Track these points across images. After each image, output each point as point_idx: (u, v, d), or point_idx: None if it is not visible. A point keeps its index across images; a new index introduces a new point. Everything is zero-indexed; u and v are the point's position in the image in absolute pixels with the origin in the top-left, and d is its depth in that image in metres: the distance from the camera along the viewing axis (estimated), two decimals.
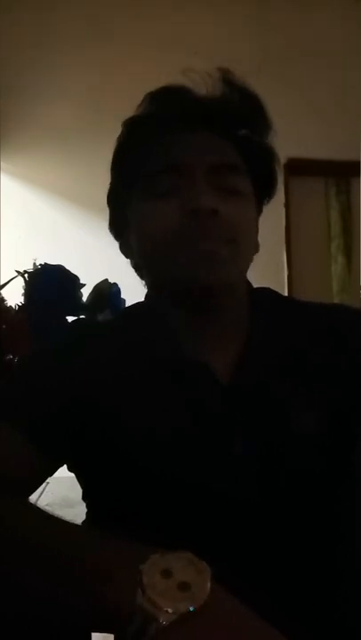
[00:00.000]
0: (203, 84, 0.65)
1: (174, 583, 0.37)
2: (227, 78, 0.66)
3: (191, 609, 0.36)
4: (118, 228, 0.70)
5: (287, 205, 2.88)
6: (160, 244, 0.62)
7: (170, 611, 0.36)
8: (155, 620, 0.36)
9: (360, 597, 0.59)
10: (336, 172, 2.97)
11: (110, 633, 0.38)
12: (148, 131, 0.66)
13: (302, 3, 2.90)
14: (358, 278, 2.90)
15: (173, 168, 0.62)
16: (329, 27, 2.93)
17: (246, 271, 0.68)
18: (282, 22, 2.91)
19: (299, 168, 2.85)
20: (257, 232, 0.70)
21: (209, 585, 0.38)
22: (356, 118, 2.73)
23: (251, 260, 0.67)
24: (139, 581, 0.37)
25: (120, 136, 0.68)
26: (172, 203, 0.61)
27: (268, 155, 0.69)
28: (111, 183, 0.70)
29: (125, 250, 0.70)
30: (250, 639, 0.37)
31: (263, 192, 0.70)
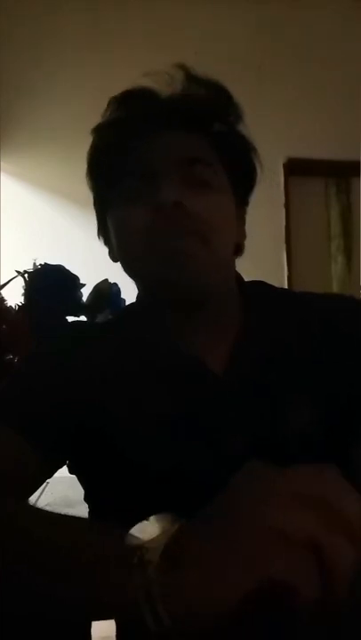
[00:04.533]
0: (165, 85, 0.64)
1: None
2: (189, 74, 0.65)
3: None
4: (105, 234, 0.70)
5: (287, 205, 2.88)
6: (133, 243, 0.62)
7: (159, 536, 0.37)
8: (149, 563, 0.36)
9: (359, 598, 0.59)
10: (336, 172, 2.97)
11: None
12: (116, 137, 0.65)
13: (302, 3, 2.90)
14: (358, 278, 2.90)
15: (142, 170, 0.62)
16: (329, 27, 2.93)
17: (228, 262, 0.67)
18: (282, 22, 2.91)
19: (299, 168, 2.85)
20: (242, 223, 0.69)
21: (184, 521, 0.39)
22: (356, 118, 2.73)
23: (230, 251, 0.66)
24: (143, 559, 0.37)
25: (91, 144, 0.68)
26: (140, 203, 0.61)
27: (242, 144, 0.67)
28: (91, 190, 0.70)
29: (113, 255, 0.70)
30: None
31: (242, 183, 0.68)
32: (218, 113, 0.66)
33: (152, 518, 0.40)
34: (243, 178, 0.68)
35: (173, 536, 0.37)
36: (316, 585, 0.33)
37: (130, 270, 0.66)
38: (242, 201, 0.69)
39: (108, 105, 0.66)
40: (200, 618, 0.35)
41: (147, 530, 0.39)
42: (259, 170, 0.68)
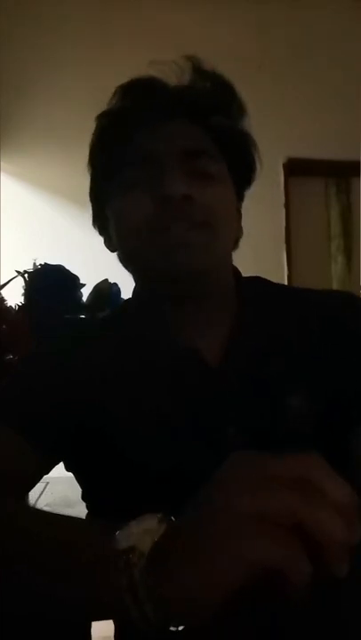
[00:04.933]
0: (172, 75, 0.64)
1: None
2: (196, 67, 0.65)
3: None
4: (101, 223, 0.70)
5: (287, 205, 2.88)
6: (135, 235, 0.62)
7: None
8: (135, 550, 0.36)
9: (357, 597, 0.59)
10: (336, 172, 2.97)
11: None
12: (120, 125, 0.65)
13: (302, 3, 2.90)
14: (358, 278, 2.90)
15: (144, 159, 0.62)
16: (329, 27, 2.93)
17: (228, 257, 0.67)
18: (282, 22, 2.91)
19: (299, 168, 2.85)
20: (240, 218, 0.70)
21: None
22: (356, 118, 2.73)
23: (231, 245, 0.67)
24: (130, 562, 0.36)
25: (94, 131, 0.67)
26: (144, 193, 0.61)
27: (244, 139, 0.67)
28: (90, 179, 0.70)
29: (109, 244, 0.69)
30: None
31: (242, 178, 0.68)
32: (222, 107, 0.66)
33: (141, 518, 0.39)
34: (243, 172, 0.68)
35: (161, 536, 0.37)
36: (306, 569, 0.32)
37: (129, 262, 0.66)
38: (239, 196, 0.70)
39: (114, 93, 0.66)
40: (193, 614, 0.34)
41: (135, 530, 0.38)
42: (258, 166, 0.68)
